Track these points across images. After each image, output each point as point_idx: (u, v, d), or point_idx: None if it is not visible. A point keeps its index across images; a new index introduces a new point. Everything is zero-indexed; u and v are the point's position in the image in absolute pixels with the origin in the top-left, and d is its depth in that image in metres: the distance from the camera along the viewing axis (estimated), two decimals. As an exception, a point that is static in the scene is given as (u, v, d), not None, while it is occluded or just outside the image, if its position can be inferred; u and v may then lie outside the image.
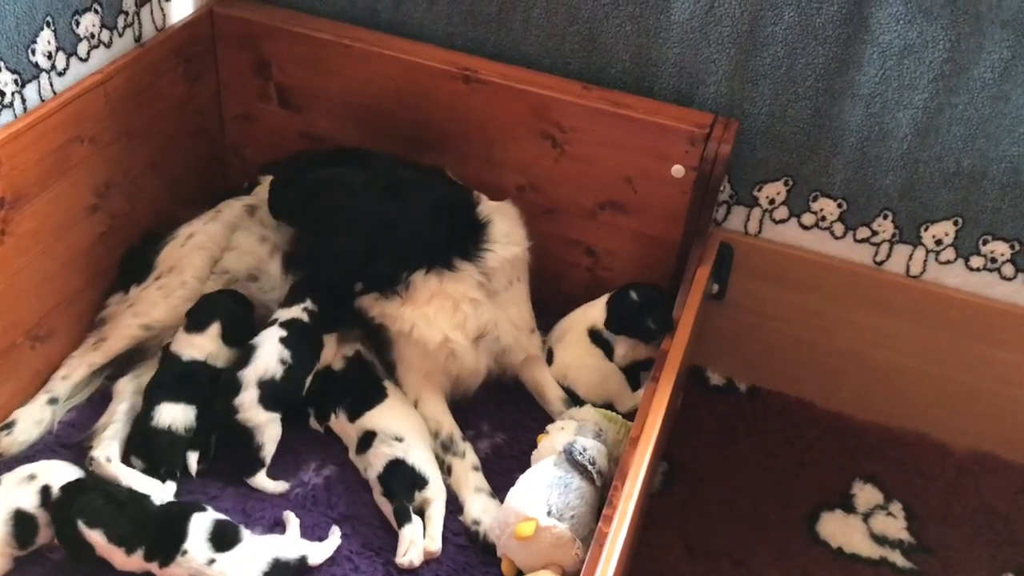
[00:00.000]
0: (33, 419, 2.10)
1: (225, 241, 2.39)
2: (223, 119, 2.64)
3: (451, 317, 2.13)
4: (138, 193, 2.36)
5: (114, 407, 2.14)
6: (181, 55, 2.40)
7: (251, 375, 2.05)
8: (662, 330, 2.14)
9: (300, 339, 2.11)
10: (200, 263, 2.32)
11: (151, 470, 2.01)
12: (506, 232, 2.21)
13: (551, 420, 2.25)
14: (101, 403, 2.19)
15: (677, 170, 2.25)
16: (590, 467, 1.93)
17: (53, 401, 2.15)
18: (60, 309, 2.19)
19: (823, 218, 2.39)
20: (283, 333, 2.10)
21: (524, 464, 2.12)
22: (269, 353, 2.07)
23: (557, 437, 2.05)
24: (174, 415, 2.03)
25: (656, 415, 1.89)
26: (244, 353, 2.09)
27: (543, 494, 1.87)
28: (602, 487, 1.94)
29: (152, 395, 2.09)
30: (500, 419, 2.29)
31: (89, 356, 2.23)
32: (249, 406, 2.04)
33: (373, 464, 2.04)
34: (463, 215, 2.18)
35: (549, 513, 1.84)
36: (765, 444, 2.51)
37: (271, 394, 2.05)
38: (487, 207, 2.23)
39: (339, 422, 2.17)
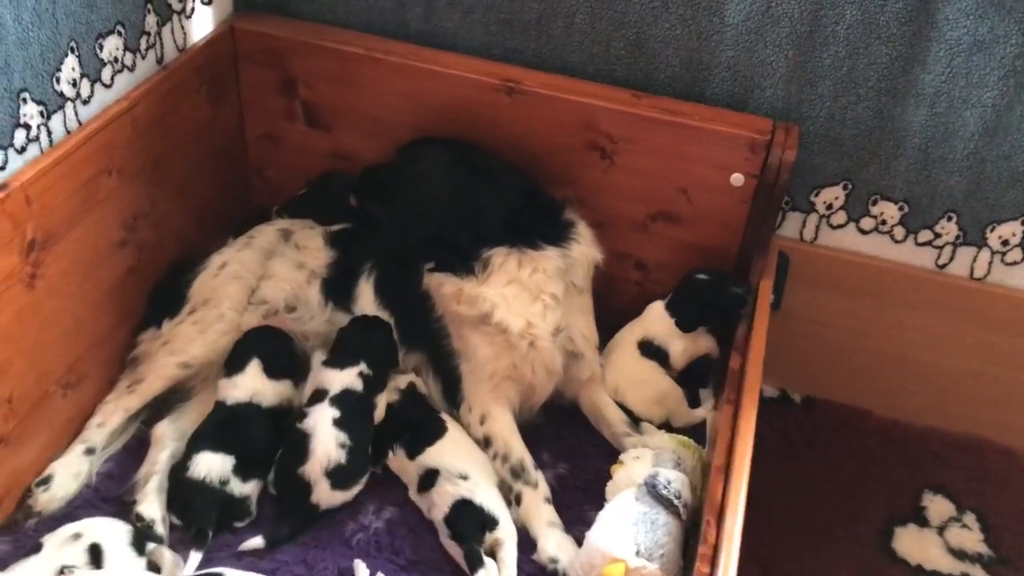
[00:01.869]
0: (71, 472, 1.96)
1: (260, 269, 2.26)
2: (245, 140, 2.51)
3: (530, 304, 2.01)
4: (165, 223, 2.23)
5: (155, 455, 2.01)
6: (204, 75, 2.26)
7: (315, 471, 1.91)
8: (745, 296, 2.10)
9: (355, 415, 1.98)
10: (236, 293, 2.19)
11: (185, 525, 1.89)
12: (590, 237, 2.15)
13: (612, 446, 2.16)
14: (138, 450, 2.05)
15: (737, 178, 2.15)
16: (676, 501, 1.83)
17: (90, 451, 2.00)
18: (91, 352, 2.05)
19: (883, 222, 2.30)
20: (335, 413, 1.96)
21: (592, 495, 2.03)
22: (326, 441, 1.93)
23: (635, 468, 1.94)
24: (211, 465, 1.90)
25: (745, 443, 1.79)
26: (298, 444, 1.94)
27: (629, 532, 1.77)
28: (687, 520, 1.83)
29: (193, 443, 1.96)
30: (560, 447, 2.17)
31: (124, 400, 2.09)
32: (327, 499, 1.92)
33: (438, 504, 1.92)
34: (551, 208, 2.11)
35: (638, 553, 1.74)
36: (827, 457, 2.42)
37: (342, 477, 1.93)
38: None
39: (397, 460, 2.04)
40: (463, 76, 2.23)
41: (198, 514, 1.87)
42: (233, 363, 2.05)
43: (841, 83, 2.13)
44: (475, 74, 2.22)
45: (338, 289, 2.26)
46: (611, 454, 2.12)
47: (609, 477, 2.00)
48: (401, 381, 2.16)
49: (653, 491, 1.84)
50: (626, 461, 1.99)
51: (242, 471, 1.92)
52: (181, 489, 1.91)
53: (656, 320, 2.27)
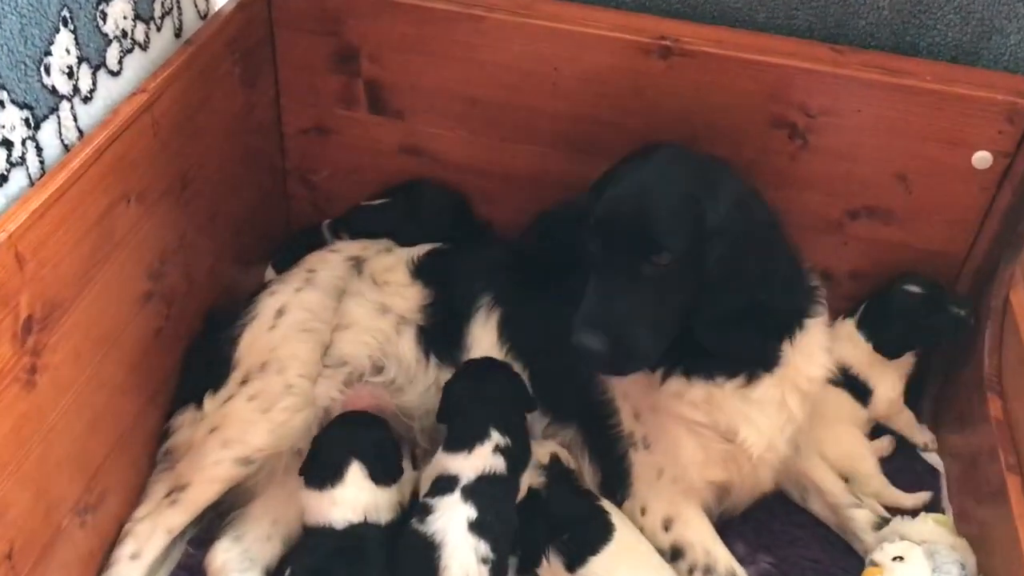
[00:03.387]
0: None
1: (331, 315, 1.68)
2: (283, 135, 1.89)
3: (776, 419, 1.49)
4: (196, 261, 1.64)
5: (220, 596, 1.43)
6: (236, 51, 1.67)
7: None
8: (968, 320, 1.68)
9: (497, 511, 1.45)
10: (306, 353, 1.62)
11: None
12: None
13: (826, 526, 1.66)
14: (187, 584, 1.48)
15: (982, 158, 1.63)
16: None
17: (123, 598, 1.42)
18: (113, 457, 1.47)
19: None
20: (472, 513, 1.43)
21: None
22: (463, 556, 1.40)
23: (903, 574, 1.38)
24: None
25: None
26: (420, 560, 1.41)
27: None
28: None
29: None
30: (756, 534, 1.67)
31: (165, 516, 1.51)
32: None
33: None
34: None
35: None
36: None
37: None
38: None
39: (552, 571, 1.49)
40: (600, 35, 1.68)
41: None
42: (322, 472, 1.46)
43: (1119, 20, 1.58)
44: (616, 31, 1.68)
45: (440, 339, 1.68)
46: (833, 538, 1.68)
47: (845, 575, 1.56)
48: (540, 452, 1.60)
49: (956, 618, 1.30)
50: (885, 564, 1.45)
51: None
52: None
53: (847, 343, 1.77)
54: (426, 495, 1.48)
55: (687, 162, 1.44)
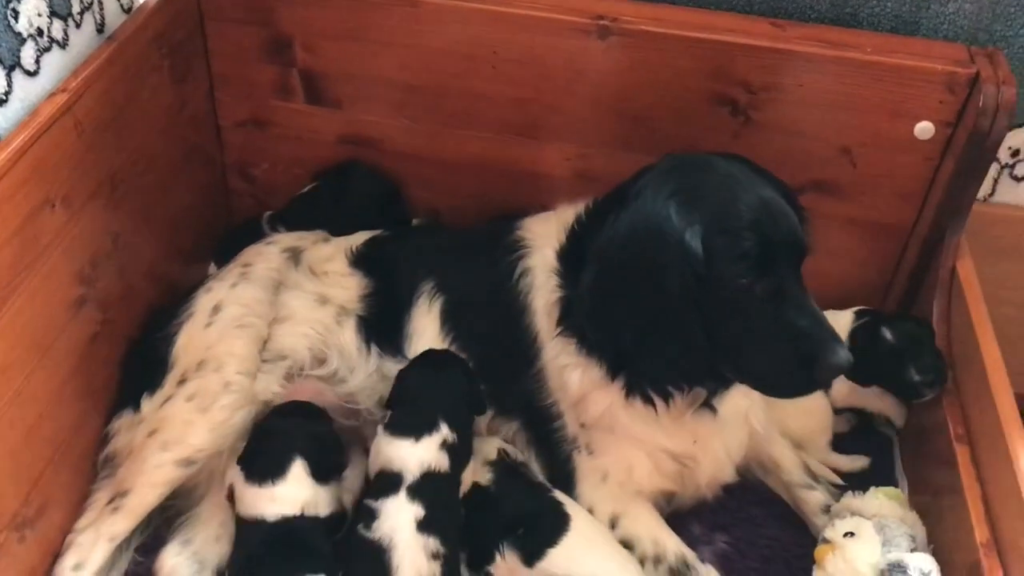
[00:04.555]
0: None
1: (268, 309, 1.63)
2: (220, 129, 1.85)
3: (738, 431, 1.53)
4: (132, 262, 1.59)
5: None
6: (165, 45, 1.60)
7: None
8: (932, 384, 1.59)
9: (443, 507, 1.43)
10: (243, 349, 1.56)
11: None
12: None
13: (786, 504, 1.64)
14: (138, 592, 1.45)
15: (924, 129, 1.61)
16: None
17: (67, 611, 1.39)
18: (52, 468, 1.43)
19: (1085, 165, 1.77)
20: (419, 511, 1.40)
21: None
22: (414, 556, 1.38)
23: (856, 552, 1.41)
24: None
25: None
26: (369, 565, 1.38)
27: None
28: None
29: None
30: (712, 514, 1.64)
31: (107, 524, 1.47)
32: None
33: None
34: None
35: None
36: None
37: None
38: None
39: (508, 567, 1.46)
40: (536, 16, 1.65)
41: None
42: (263, 467, 1.42)
43: (1056, -15, 1.57)
44: (553, 12, 1.65)
45: (382, 328, 1.64)
46: (789, 515, 1.66)
47: (801, 555, 1.52)
48: (487, 449, 1.57)
49: (908, 589, 1.31)
50: (836, 541, 1.44)
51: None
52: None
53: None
54: (369, 497, 1.44)
55: (751, 165, 1.41)
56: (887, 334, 1.62)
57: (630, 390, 1.42)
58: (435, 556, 1.39)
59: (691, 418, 1.47)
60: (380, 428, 1.50)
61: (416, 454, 1.45)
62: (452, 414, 1.48)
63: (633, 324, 1.34)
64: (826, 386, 1.63)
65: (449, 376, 1.54)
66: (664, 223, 1.29)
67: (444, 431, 1.46)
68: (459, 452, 1.47)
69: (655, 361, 1.36)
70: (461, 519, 1.47)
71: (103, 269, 1.49)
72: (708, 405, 1.47)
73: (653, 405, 1.41)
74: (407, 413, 1.50)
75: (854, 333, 1.65)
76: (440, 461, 1.45)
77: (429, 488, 1.43)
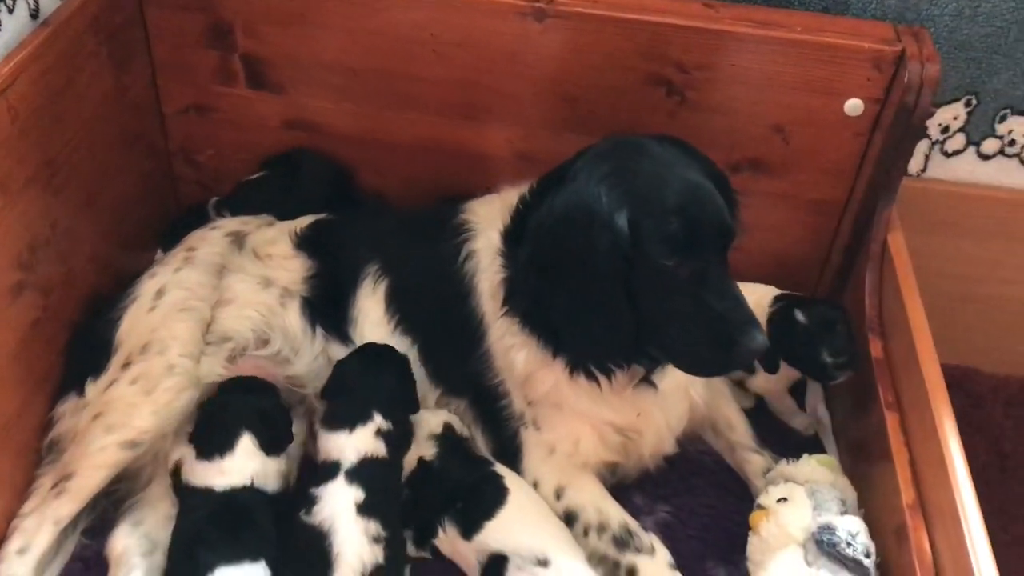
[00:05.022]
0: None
1: (211, 293, 1.64)
2: (164, 115, 1.85)
3: (679, 404, 1.57)
4: (74, 248, 1.59)
5: (121, 582, 1.41)
6: (102, 30, 1.61)
7: None
8: (844, 366, 1.62)
9: (383, 491, 1.45)
10: (187, 332, 1.58)
11: None
12: None
13: (726, 473, 1.69)
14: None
15: (853, 106, 1.65)
16: (866, 560, 1.36)
17: (15, 594, 1.40)
18: None
19: (1011, 142, 1.83)
20: (359, 495, 1.42)
21: (713, 546, 1.61)
22: (354, 539, 1.39)
23: (789, 517, 1.45)
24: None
25: (962, 473, 1.31)
26: (312, 549, 1.39)
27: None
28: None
29: (194, 556, 1.36)
30: (654, 485, 1.68)
31: (52, 508, 1.47)
32: None
33: (516, 607, 1.39)
34: None
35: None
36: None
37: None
38: None
39: (449, 540, 1.49)
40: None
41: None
42: (213, 442, 1.44)
43: (977, -34, 1.62)
44: None
45: (326, 310, 1.66)
46: (728, 484, 1.70)
47: (740, 522, 1.55)
48: (433, 422, 1.59)
49: (833, 550, 1.36)
50: (770, 507, 1.48)
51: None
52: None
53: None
54: (311, 486, 1.46)
55: (686, 148, 1.44)
56: (800, 317, 1.65)
57: (573, 367, 1.45)
58: (376, 539, 1.40)
59: (633, 393, 1.51)
60: (317, 423, 1.53)
61: (351, 443, 1.49)
62: (386, 407, 1.51)
63: (563, 302, 1.37)
64: (743, 367, 1.68)
65: (387, 369, 1.57)
66: (594, 204, 1.33)
67: (378, 420, 1.49)
68: (397, 439, 1.51)
69: (584, 339, 1.39)
70: (401, 501, 1.48)
71: (43, 255, 1.49)
72: (648, 380, 1.51)
73: (597, 381, 1.45)
74: (340, 405, 1.53)
75: (771, 317, 1.67)
76: (377, 448, 1.48)
77: (367, 472, 1.46)
